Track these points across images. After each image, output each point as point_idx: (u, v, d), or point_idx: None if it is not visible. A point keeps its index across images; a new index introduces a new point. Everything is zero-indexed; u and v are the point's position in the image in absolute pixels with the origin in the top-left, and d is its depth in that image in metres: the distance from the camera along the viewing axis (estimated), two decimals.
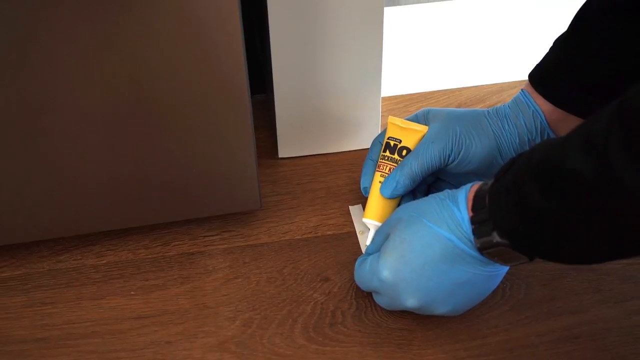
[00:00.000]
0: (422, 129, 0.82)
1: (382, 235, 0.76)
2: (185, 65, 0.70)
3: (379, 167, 0.83)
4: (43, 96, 0.69)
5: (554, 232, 0.61)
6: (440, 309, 0.72)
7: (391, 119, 0.83)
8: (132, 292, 0.80)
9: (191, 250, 0.84)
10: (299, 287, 0.80)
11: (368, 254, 0.77)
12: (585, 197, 0.56)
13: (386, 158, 0.82)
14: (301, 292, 0.80)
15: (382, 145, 0.84)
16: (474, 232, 0.68)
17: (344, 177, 0.93)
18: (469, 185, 0.71)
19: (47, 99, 0.69)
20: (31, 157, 0.73)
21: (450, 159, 0.80)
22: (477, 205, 0.68)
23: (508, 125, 0.81)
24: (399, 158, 0.82)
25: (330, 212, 0.88)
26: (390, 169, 0.82)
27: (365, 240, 0.82)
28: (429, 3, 0.99)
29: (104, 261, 0.83)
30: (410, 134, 0.82)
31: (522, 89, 0.82)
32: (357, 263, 0.77)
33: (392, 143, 0.83)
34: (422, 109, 0.86)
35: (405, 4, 0.89)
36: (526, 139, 0.81)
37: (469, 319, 0.77)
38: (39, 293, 0.80)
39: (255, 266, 0.83)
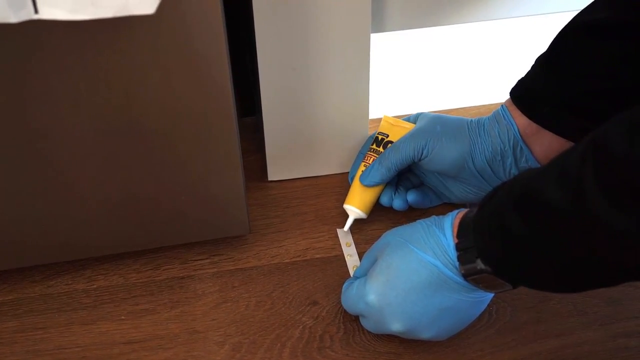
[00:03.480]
0: (409, 126, 0.88)
1: (370, 260, 0.77)
2: (172, 94, 0.71)
3: (365, 158, 0.89)
4: (35, 125, 0.70)
5: (534, 260, 0.63)
6: (425, 334, 0.73)
7: (385, 117, 0.91)
8: (123, 317, 0.81)
9: (181, 275, 0.85)
10: (287, 311, 0.81)
11: (355, 277, 0.78)
12: (562, 228, 0.58)
13: (372, 150, 0.89)
14: (290, 316, 0.81)
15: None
16: (459, 258, 0.69)
17: (333, 200, 0.94)
18: (455, 212, 0.72)
19: (39, 128, 0.70)
20: (23, 184, 0.74)
21: (424, 154, 0.84)
22: (462, 232, 0.69)
23: (484, 134, 0.84)
24: (382, 151, 0.88)
25: (319, 236, 0.89)
26: (373, 160, 0.88)
27: (353, 263, 0.84)
28: (415, 29, 1.00)
29: (95, 286, 0.84)
30: (398, 130, 0.89)
31: (502, 104, 0.85)
32: (344, 286, 0.79)
33: (380, 137, 0.89)
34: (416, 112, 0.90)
35: (392, 30, 0.90)
36: (499, 148, 0.83)
37: (455, 342, 0.78)
38: (30, 318, 0.81)
39: (244, 290, 0.83)
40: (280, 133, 0.92)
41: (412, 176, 0.91)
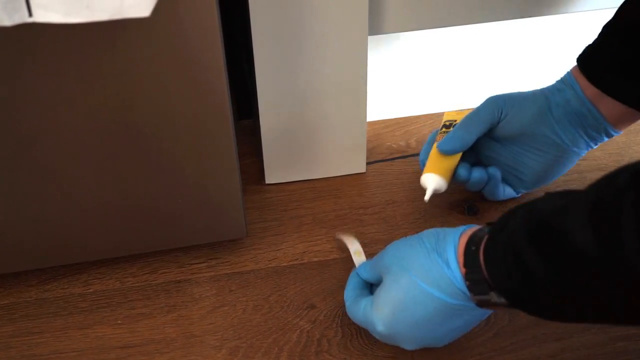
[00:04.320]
0: None
1: (374, 270, 0.76)
2: (168, 97, 0.70)
3: (437, 140, 0.88)
4: (29, 129, 0.69)
5: (554, 299, 0.59)
6: (436, 346, 0.73)
7: (447, 112, 0.92)
8: (119, 321, 0.81)
9: (178, 278, 0.85)
10: (285, 315, 0.81)
11: (358, 275, 0.78)
12: (590, 275, 0.53)
13: (443, 132, 0.88)
14: (287, 320, 0.80)
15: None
16: (469, 288, 0.66)
17: (331, 203, 0.93)
18: (456, 236, 0.69)
19: (34, 132, 0.70)
20: (18, 188, 0.74)
21: (503, 113, 0.85)
22: (470, 262, 0.66)
23: (557, 92, 0.85)
24: None
25: (317, 239, 0.89)
26: None
27: (362, 260, 0.82)
28: (412, 32, 0.99)
29: (91, 290, 0.84)
30: (465, 113, 0.88)
31: (569, 70, 0.86)
32: (348, 290, 0.77)
33: (448, 123, 0.89)
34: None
35: (389, 32, 0.89)
36: (571, 104, 0.83)
37: (453, 347, 0.77)
38: (26, 322, 0.81)
39: (241, 294, 0.83)
40: (277, 136, 0.92)
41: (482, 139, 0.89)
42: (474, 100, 0.89)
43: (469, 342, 0.78)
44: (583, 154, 0.87)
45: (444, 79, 1.07)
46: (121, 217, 0.79)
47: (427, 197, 0.85)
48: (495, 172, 0.88)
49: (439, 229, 0.72)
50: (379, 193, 0.95)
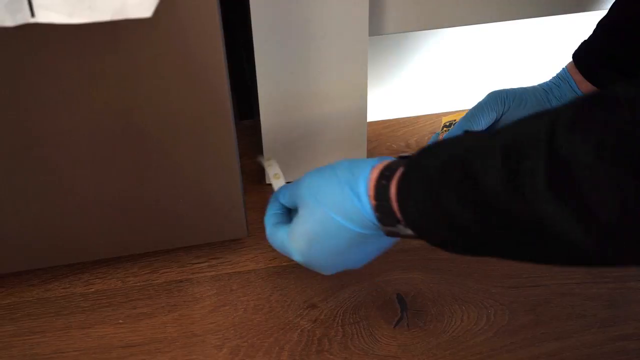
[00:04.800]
0: None
1: (291, 197, 0.76)
2: (169, 97, 0.71)
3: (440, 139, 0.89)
4: (32, 129, 0.70)
5: (462, 236, 0.60)
6: (353, 268, 0.75)
7: (444, 118, 0.93)
8: (121, 321, 0.81)
9: (179, 278, 0.85)
10: (285, 315, 0.81)
11: (277, 200, 0.78)
12: (494, 214, 0.54)
13: (445, 131, 0.91)
14: (288, 319, 0.81)
15: None
16: (379, 220, 0.67)
17: None
18: (367, 170, 0.69)
19: (36, 132, 0.70)
20: (20, 188, 0.74)
21: (506, 105, 0.87)
22: (380, 195, 0.66)
23: (555, 87, 0.89)
24: None
25: None
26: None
27: (281, 183, 0.82)
28: (413, 33, 1.00)
29: (93, 289, 0.84)
30: (463, 113, 0.90)
31: (564, 66, 0.90)
32: (267, 216, 0.78)
33: (448, 123, 0.91)
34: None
35: (389, 33, 0.90)
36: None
37: (453, 345, 0.78)
38: (27, 322, 0.81)
39: (242, 293, 0.83)
40: (278, 136, 0.92)
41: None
42: (473, 101, 0.89)
43: (468, 341, 0.78)
44: None
45: (444, 80, 1.07)
46: (122, 217, 0.79)
47: None
48: None
49: (352, 160, 0.72)
50: None
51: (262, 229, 0.88)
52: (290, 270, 0.85)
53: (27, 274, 0.85)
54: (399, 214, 0.65)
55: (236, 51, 0.96)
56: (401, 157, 0.68)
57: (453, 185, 0.58)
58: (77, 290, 0.84)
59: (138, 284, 0.85)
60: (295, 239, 0.73)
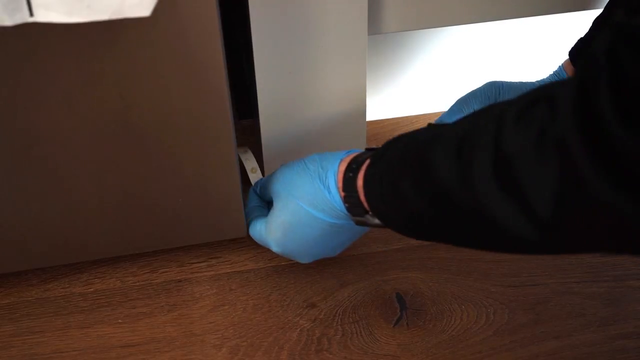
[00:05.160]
0: None
1: (266, 190, 0.82)
2: (168, 97, 0.71)
3: None
4: (30, 129, 0.70)
5: (421, 224, 0.63)
6: (332, 255, 0.81)
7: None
8: (120, 321, 0.81)
9: (178, 278, 0.85)
10: (285, 314, 0.81)
11: (255, 193, 0.84)
12: (447, 204, 0.57)
13: None
14: (287, 318, 0.81)
15: None
16: (348, 210, 0.72)
17: None
18: (336, 163, 0.73)
19: (34, 131, 0.70)
20: (18, 188, 0.74)
21: (500, 96, 0.90)
22: (348, 187, 0.71)
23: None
24: None
25: None
26: None
27: (258, 177, 0.89)
28: (412, 32, 1.00)
29: (92, 289, 0.84)
30: None
31: (560, 64, 0.92)
32: (247, 210, 0.83)
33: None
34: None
35: (388, 32, 0.90)
36: None
37: (453, 344, 0.78)
38: (27, 322, 0.81)
39: (241, 293, 0.83)
40: (277, 136, 0.92)
41: None
42: None
43: (467, 341, 0.78)
44: None
45: (444, 79, 1.07)
46: (122, 217, 0.79)
47: None
48: None
49: (322, 154, 0.77)
50: None
51: None
52: (290, 270, 0.85)
53: (26, 273, 0.85)
54: (366, 204, 0.69)
55: (235, 51, 0.95)
56: (368, 149, 0.73)
57: (410, 174, 0.61)
58: (76, 290, 0.84)
59: (137, 283, 0.85)
60: (271, 231, 0.78)
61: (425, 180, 0.58)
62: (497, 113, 0.53)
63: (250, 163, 0.90)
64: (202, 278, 0.85)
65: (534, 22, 1.02)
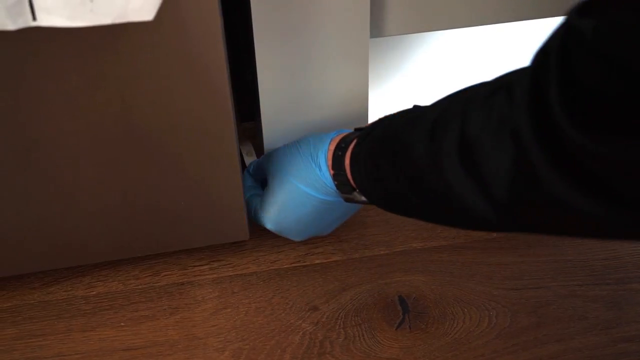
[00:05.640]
0: None
1: (260, 170, 0.86)
2: (171, 100, 0.70)
3: None
4: (32, 132, 0.69)
5: (399, 200, 0.67)
6: (324, 234, 0.86)
7: None
8: (122, 324, 0.81)
9: (181, 281, 0.85)
10: (287, 317, 0.81)
11: (249, 174, 0.88)
12: (420, 183, 0.60)
13: None
14: (290, 321, 0.81)
15: None
16: (337, 187, 0.76)
17: None
18: (326, 143, 0.78)
19: (36, 134, 0.70)
20: (20, 191, 0.74)
21: None
22: (336, 165, 0.75)
23: None
24: None
25: (318, 240, 0.89)
26: None
27: (252, 159, 0.91)
28: (414, 34, 1.00)
29: (94, 292, 0.84)
30: None
31: None
32: (245, 187, 0.85)
33: None
34: None
35: (390, 35, 0.90)
36: None
37: (455, 348, 0.78)
38: (29, 325, 0.81)
39: (244, 296, 0.83)
40: (279, 138, 0.91)
41: None
42: None
43: (470, 343, 0.78)
44: None
45: (445, 82, 1.07)
46: (124, 220, 0.79)
47: None
48: None
49: (314, 135, 0.81)
50: None
51: (264, 232, 0.89)
52: (292, 273, 0.85)
53: (28, 276, 0.85)
54: (352, 182, 0.73)
55: (237, 53, 0.95)
56: (357, 129, 0.77)
57: (390, 154, 0.65)
58: (79, 293, 0.84)
59: (139, 286, 0.84)
60: (266, 209, 0.81)
61: (402, 159, 0.62)
62: (467, 97, 0.56)
63: (245, 147, 0.92)
64: (204, 281, 0.85)
65: (536, 25, 1.02)
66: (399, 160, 0.63)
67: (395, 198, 0.67)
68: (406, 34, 0.93)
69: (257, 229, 0.89)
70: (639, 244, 0.87)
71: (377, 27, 0.88)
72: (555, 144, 0.45)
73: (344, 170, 0.73)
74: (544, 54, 0.47)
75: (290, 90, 0.88)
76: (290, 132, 0.91)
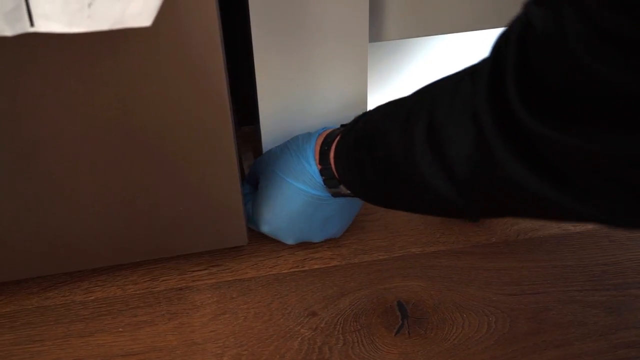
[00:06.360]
0: None
1: (253, 174, 0.88)
2: (169, 104, 0.70)
3: None
4: (30, 136, 0.69)
5: (378, 190, 0.70)
6: (317, 239, 0.86)
7: None
8: (120, 329, 0.81)
9: (179, 286, 0.85)
10: (286, 322, 0.81)
11: (246, 181, 0.90)
12: (396, 173, 0.64)
13: None
14: (288, 327, 0.80)
15: None
16: (325, 182, 0.78)
17: None
18: (314, 139, 0.80)
19: (34, 139, 0.70)
20: (18, 195, 0.74)
21: None
22: (323, 160, 0.78)
23: None
24: None
25: (317, 245, 0.89)
26: None
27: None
28: (413, 39, 1.00)
29: (92, 297, 0.84)
30: None
31: None
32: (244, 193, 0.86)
33: None
34: None
35: (389, 39, 0.90)
36: None
37: (454, 353, 0.77)
38: (27, 330, 0.81)
39: (242, 301, 0.83)
40: (278, 142, 0.91)
41: None
42: None
43: (469, 349, 0.78)
44: None
45: None
46: (122, 225, 0.79)
47: None
48: None
49: (302, 134, 0.83)
50: None
51: (263, 237, 0.89)
52: (291, 278, 0.85)
53: (26, 282, 0.85)
54: (337, 175, 0.75)
55: (236, 57, 0.95)
56: (343, 125, 0.79)
57: (369, 145, 0.68)
58: (77, 298, 0.84)
59: (138, 291, 0.84)
60: (257, 208, 0.83)
61: (380, 149, 0.65)
62: (439, 84, 0.59)
63: (247, 159, 0.93)
64: (203, 286, 0.85)
65: None
66: (377, 150, 0.66)
67: (374, 187, 0.70)
68: (405, 38, 0.93)
69: (255, 234, 0.89)
70: (638, 251, 0.87)
71: (376, 31, 0.88)
72: (511, 128, 0.48)
73: (330, 164, 0.76)
74: (504, 40, 0.49)
75: (289, 95, 0.88)
76: (289, 136, 0.91)
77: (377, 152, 0.66)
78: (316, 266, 0.87)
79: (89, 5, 0.56)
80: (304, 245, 0.88)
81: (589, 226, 0.90)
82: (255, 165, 0.87)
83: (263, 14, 0.80)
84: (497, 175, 0.50)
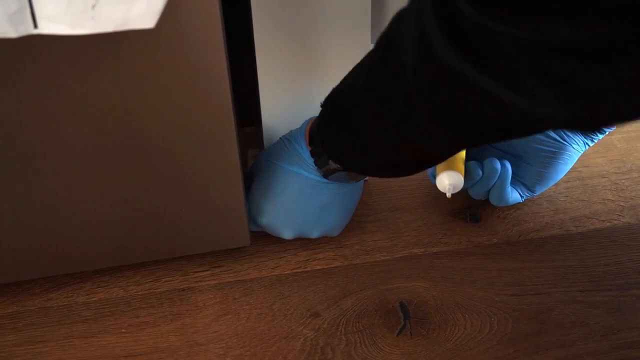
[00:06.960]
0: None
1: (250, 177, 0.87)
2: (172, 105, 0.70)
3: None
4: (33, 138, 0.69)
5: (372, 156, 0.72)
6: (315, 233, 0.85)
7: None
8: (123, 330, 0.81)
9: (182, 287, 0.85)
10: (288, 323, 0.81)
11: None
12: (365, 110, 0.67)
13: None
14: (291, 328, 0.80)
15: None
16: (316, 163, 0.79)
17: None
18: (305, 124, 0.82)
19: (37, 140, 0.70)
20: (21, 197, 0.74)
21: None
22: (312, 139, 0.79)
23: None
24: None
25: (320, 246, 0.89)
26: None
27: None
28: None
29: (95, 298, 0.84)
30: None
31: None
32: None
33: None
34: None
35: None
36: None
37: (456, 354, 0.78)
38: (30, 331, 0.81)
39: (245, 302, 0.83)
40: None
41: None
42: None
43: (471, 350, 0.78)
44: (581, 153, 0.89)
45: None
46: (125, 226, 0.79)
47: (449, 194, 0.85)
48: (504, 163, 0.88)
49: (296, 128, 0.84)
50: (381, 200, 0.95)
51: (265, 237, 0.89)
52: (293, 279, 0.85)
53: (28, 283, 0.85)
54: (324, 150, 0.77)
55: (238, 58, 0.95)
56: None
57: (340, 104, 0.72)
58: (79, 299, 0.84)
59: (140, 292, 0.84)
60: (255, 199, 0.84)
61: (349, 102, 0.69)
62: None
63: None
64: (205, 287, 0.85)
65: None
66: (347, 104, 0.70)
67: (351, 144, 0.72)
68: None
69: (257, 235, 0.89)
70: (639, 251, 0.88)
71: (378, 32, 0.88)
72: (453, 24, 0.50)
73: (319, 142, 0.78)
74: None
75: (291, 95, 0.88)
76: None
77: (348, 106, 0.70)
78: (318, 267, 0.87)
79: (93, 7, 0.56)
80: (306, 245, 0.88)
81: (591, 227, 0.90)
82: (252, 166, 0.88)
83: (265, 15, 0.80)
84: (443, 73, 0.53)
